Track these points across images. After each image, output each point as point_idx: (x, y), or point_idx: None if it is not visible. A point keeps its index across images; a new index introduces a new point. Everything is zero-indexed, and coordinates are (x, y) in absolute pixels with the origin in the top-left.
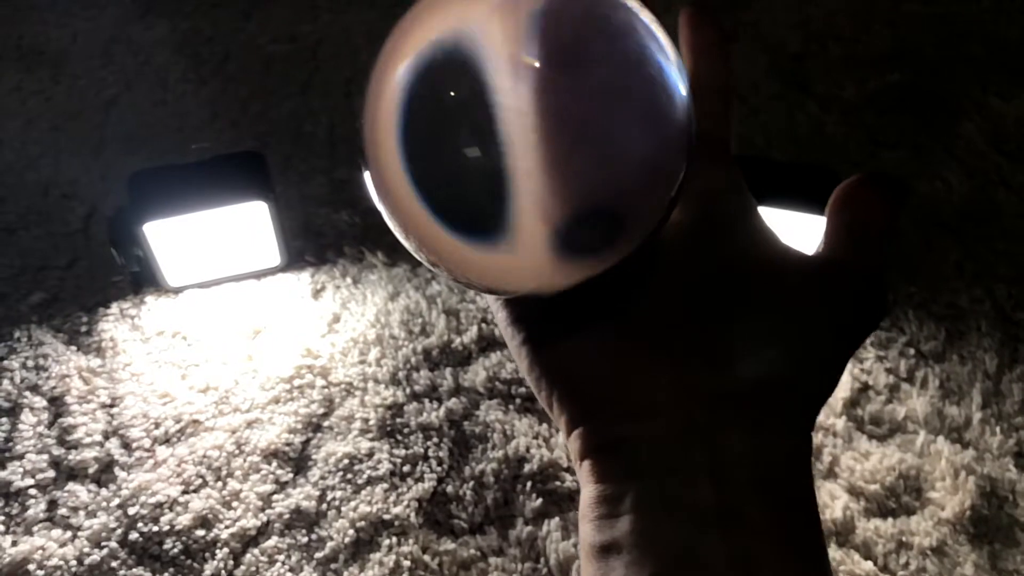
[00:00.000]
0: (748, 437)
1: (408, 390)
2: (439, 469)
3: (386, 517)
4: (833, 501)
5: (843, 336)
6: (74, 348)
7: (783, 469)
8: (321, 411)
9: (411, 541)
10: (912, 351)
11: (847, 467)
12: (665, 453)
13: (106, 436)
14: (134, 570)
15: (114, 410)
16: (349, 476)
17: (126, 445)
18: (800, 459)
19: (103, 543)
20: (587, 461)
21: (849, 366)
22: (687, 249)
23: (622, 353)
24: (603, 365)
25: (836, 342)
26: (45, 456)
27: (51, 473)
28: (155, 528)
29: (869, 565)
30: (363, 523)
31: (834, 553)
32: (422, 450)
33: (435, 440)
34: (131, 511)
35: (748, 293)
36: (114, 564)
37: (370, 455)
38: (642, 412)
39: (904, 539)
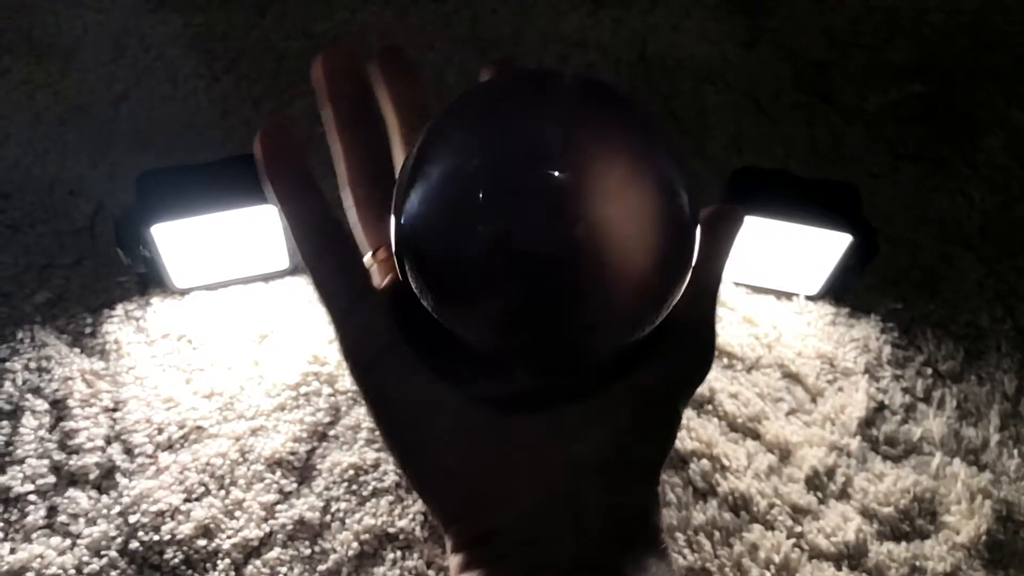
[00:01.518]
0: (604, 496)
1: None
2: None
3: (391, 530)
4: (845, 523)
5: (677, 390)
6: (78, 350)
7: (636, 519)
8: (327, 420)
9: (416, 555)
10: (929, 370)
11: (860, 488)
12: (530, 527)
13: (108, 441)
14: None
15: (117, 414)
16: (354, 487)
17: (128, 451)
18: (650, 507)
19: (103, 552)
20: (460, 554)
21: (865, 385)
22: None
23: (482, 449)
24: (465, 466)
25: (671, 397)
26: (46, 461)
27: (51, 479)
28: (156, 537)
29: None
30: (367, 536)
31: None
32: None
33: None
34: (132, 519)
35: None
36: (113, 573)
37: (376, 466)
38: (507, 498)
39: (918, 564)
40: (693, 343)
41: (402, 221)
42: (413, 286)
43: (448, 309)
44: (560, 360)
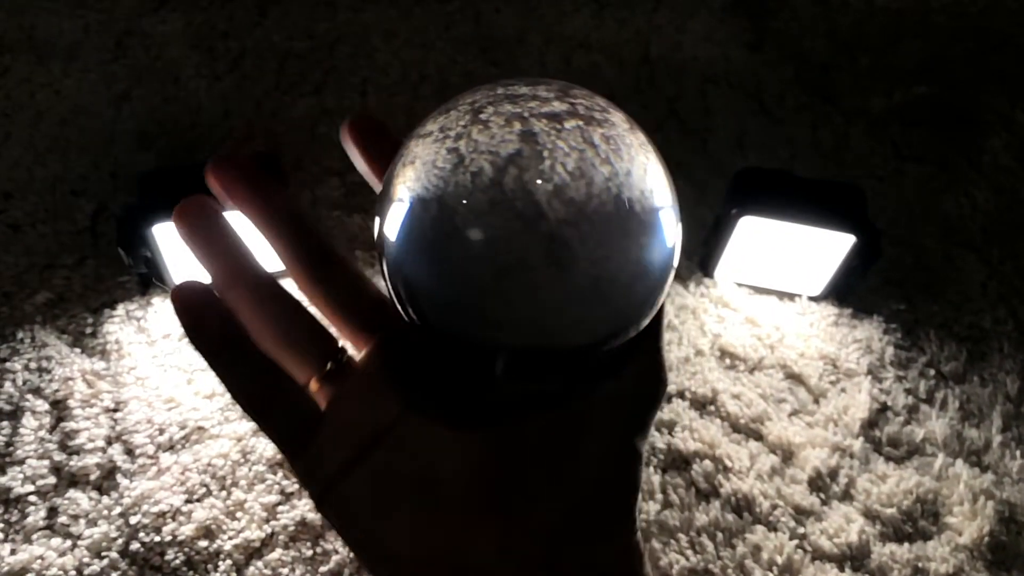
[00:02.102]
0: (583, 556)
1: None
2: None
3: None
4: (848, 524)
5: (632, 430)
6: (78, 350)
7: (619, 572)
8: None
9: None
10: (932, 372)
11: (863, 489)
12: None
13: (109, 442)
14: None
15: (118, 415)
16: None
17: (129, 451)
18: (631, 557)
19: (103, 553)
20: None
21: (868, 386)
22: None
23: (442, 536)
24: (429, 555)
25: (627, 439)
26: (46, 462)
27: (52, 479)
28: (157, 538)
29: None
30: None
31: None
32: None
33: None
34: (133, 520)
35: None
36: (114, 575)
37: None
38: None
39: (920, 565)
40: (642, 372)
41: (385, 229)
42: (397, 294)
43: (433, 314)
44: (545, 362)
